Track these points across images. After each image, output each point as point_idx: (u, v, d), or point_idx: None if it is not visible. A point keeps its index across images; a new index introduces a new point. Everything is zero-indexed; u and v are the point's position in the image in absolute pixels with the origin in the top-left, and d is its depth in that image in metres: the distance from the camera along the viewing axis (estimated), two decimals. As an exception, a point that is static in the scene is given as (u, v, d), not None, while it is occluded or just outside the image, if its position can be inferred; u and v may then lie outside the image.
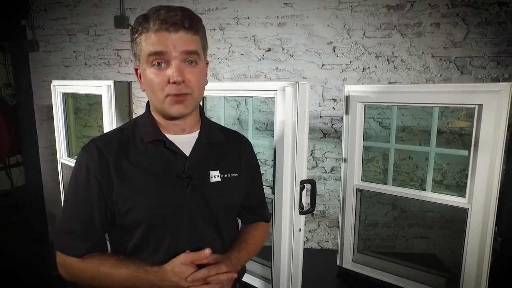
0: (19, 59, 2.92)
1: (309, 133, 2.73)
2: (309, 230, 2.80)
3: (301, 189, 1.18)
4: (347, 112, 1.36)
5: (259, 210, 1.01)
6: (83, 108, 2.83)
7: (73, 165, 1.63)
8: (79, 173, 0.79)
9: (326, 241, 2.78)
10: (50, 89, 2.96)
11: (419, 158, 2.51)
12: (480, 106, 1.07)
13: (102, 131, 2.90)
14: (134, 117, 1.47)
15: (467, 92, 1.11)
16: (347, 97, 1.34)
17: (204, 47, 0.81)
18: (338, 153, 2.62)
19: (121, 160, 0.79)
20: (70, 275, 0.81)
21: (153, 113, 0.85)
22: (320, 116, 2.66)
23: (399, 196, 1.38)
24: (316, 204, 2.93)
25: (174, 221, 0.80)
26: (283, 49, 2.59)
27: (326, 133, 2.65)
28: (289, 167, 1.15)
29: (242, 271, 0.95)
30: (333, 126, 2.61)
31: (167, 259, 0.77)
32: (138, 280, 0.75)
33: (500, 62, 2.35)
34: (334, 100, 2.56)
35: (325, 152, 2.69)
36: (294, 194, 1.16)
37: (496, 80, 2.38)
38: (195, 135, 0.87)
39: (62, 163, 1.66)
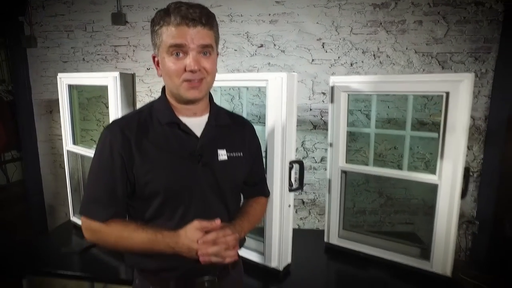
0: (17, 55, 2.99)
1: (300, 125, 2.85)
2: (300, 218, 2.94)
3: (290, 168, 1.30)
4: (332, 101, 1.49)
5: (260, 186, 1.13)
6: (81, 102, 2.91)
7: (78, 151, 1.73)
8: (104, 150, 0.90)
9: (316, 228, 2.91)
10: (49, 84, 3.04)
11: (404, 148, 2.65)
12: (447, 93, 1.21)
13: (101, 125, 2.99)
14: (138, 105, 1.58)
15: (436, 81, 1.25)
16: (332, 88, 1.48)
17: (217, 40, 0.93)
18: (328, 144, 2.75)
19: (141, 139, 0.90)
20: (96, 238, 0.92)
21: (168, 98, 0.96)
22: (310, 109, 2.79)
23: (380, 176, 1.51)
24: (305, 190, 3.06)
25: (187, 193, 0.91)
26: (274, 45, 2.71)
27: (316, 125, 2.78)
28: (279, 149, 1.27)
29: (243, 241, 1.07)
30: (323, 118, 2.74)
31: (180, 226, 0.88)
32: (156, 242, 0.86)
33: (477, 58, 2.50)
34: (324, 93, 2.69)
35: (315, 143, 2.83)
36: (284, 173, 1.28)
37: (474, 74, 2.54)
38: (205, 118, 0.98)
39: (68, 150, 1.76)
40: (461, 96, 1.18)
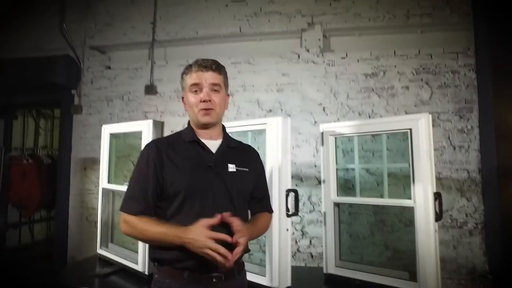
0: (66, 121, 3.53)
1: (306, 181, 3.10)
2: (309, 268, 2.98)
3: (287, 196, 1.53)
4: (322, 144, 1.79)
5: (264, 202, 1.38)
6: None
7: (112, 188, 2.04)
8: (143, 160, 1.21)
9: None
10: (86, 144, 3.49)
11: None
12: (410, 130, 1.48)
13: (126, 181, 3.31)
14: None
15: (401, 121, 1.55)
16: (322, 133, 1.78)
17: (225, 83, 1.30)
18: (332, 196, 2.94)
19: (170, 151, 1.22)
20: (128, 228, 1.16)
21: (191, 125, 1.30)
22: (315, 166, 3.05)
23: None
24: (314, 244, 3.13)
25: (202, 195, 1.18)
26: (281, 109, 3.13)
27: (321, 180, 3.00)
28: (276, 179, 1.53)
29: (247, 250, 1.26)
30: (326, 173, 2.98)
31: (196, 220, 1.12)
32: (170, 233, 1.10)
33: (462, 116, 2.80)
34: (326, 150, 2.99)
35: (321, 197, 3.01)
36: (281, 200, 1.51)
37: (461, 131, 2.81)
38: (219, 141, 1.30)
39: (103, 188, 2.08)
40: (420, 131, 1.45)
